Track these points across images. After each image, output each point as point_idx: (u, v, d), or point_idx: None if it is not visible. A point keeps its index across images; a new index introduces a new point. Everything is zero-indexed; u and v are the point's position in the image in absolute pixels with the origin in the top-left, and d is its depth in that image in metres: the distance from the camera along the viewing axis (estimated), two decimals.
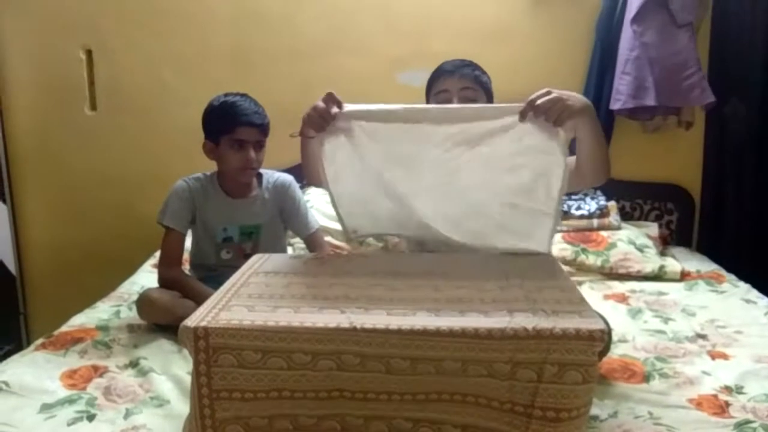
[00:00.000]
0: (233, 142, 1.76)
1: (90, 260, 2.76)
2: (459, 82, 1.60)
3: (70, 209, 2.80)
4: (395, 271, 1.28)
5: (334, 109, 1.34)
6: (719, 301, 1.99)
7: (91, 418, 1.27)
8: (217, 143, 1.78)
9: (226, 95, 1.80)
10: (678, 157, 2.63)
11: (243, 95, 1.80)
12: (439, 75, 1.65)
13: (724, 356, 1.57)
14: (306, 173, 1.55)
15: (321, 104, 1.35)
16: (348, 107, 1.37)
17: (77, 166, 2.76)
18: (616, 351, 1.58)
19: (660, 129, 2.55)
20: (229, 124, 1.75)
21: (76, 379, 1.43)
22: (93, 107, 2.73)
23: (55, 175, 2.78)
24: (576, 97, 1.28)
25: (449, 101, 1.58)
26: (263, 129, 1.78)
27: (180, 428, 1.18)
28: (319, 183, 1.49)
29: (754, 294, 2.02)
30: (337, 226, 2.37)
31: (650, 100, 2.31)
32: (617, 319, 1.82)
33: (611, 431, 1.22)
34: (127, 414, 1.28)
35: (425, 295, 1.14)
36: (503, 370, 0.98)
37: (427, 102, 1.68)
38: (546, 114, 1.25)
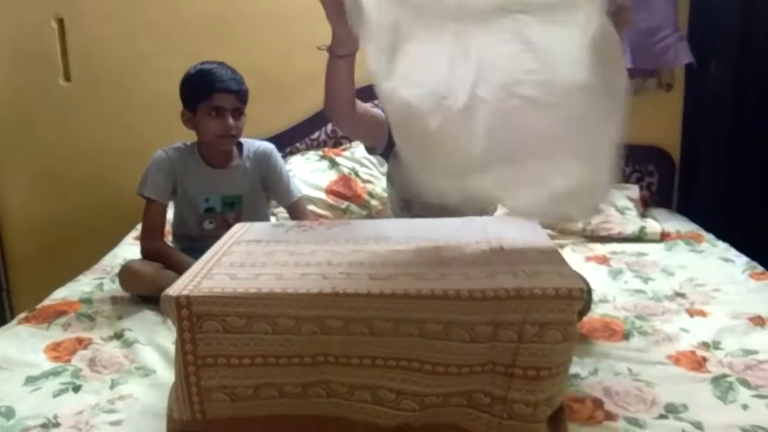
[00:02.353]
0: (211, 110, 1.74)
1: (71, 234, 2.74)
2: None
3: (48, 182, 2.76)
4: (377, 237, 1.28)
5: None
6: (698, 261, 2.02)
7: (76, 389, 1.27)
8: (194, 112, 1.76)
9: (202, 63, 1.78)
10: (658, 119, 2.63)
11: (220, 63, 1.78)
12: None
13: (702, 313, 1.60)
14: (331, 105, 1.35)
15: None
16: None
17: (53, 139, 2.72)
18: (597, 311, 1.61)
19: (640, 91, 2.55)
20: (206, 91, 1.73)
21: (60, 352, 1.43)
22: (67, 78, 2.68)
23: (32, 149, 2.73)
24: None
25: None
26: (241, 95, 1.76)
27: (166, 397, 1.19)
28: (344, 117, 1.38)
29: (733, 253, 2.05)
30: (321, 195, 2.38)
31: (626, 63, 2.32)
32: (598, 280, 1.84)
33: (591, 388, 1.24)
34: (113, 384, 1.29)
35: (407, 259, 1.14)
36: (485, 331, 0.99)
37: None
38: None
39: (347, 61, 1.27)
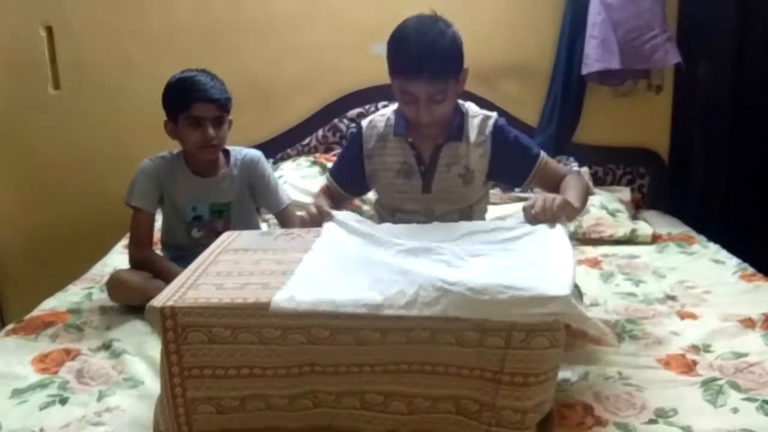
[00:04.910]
0: (190, 120, 1.71)
1: (61, 242, 2.72)
2: (427, 87, 1.41)
3: (38, 191, 2.75)
4: None
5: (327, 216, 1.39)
6: (689, 263, 2.02)
7: (63, 401, 1.26)
8: (176, 122, 1.74)
9: (183, 72, 1.75)
10: (649, 121, 2.64)
11: (201, 71, 1.75)
12: (404, 69, 1.44)
13: (693, 316, 1.60)
14: None
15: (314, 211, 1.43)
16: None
17: (43, 147, 2.70)
18: (588, 314, 1.60)
19: (630, 93, 2.55)
20: (185, 101, 1.70)
21: (47, 364, 1.41)
22: (56, 86, 2.66)
23: (21, 157, 2.71)
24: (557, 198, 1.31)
25: (415, 104, 1.45)
26: (222, 104, 1.73)
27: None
28: None
29: (723, 254, 2.05)
30: (310, 200, 2.37)
31: (615, 63, 2.32)
32: (590, 283, 1.84)
33: (581, 393, 1.24)
34: (101, 396, 1.28)
35: None
36: (472, 337, 0.99)
37: (392, 81, 1.49)
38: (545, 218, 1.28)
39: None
